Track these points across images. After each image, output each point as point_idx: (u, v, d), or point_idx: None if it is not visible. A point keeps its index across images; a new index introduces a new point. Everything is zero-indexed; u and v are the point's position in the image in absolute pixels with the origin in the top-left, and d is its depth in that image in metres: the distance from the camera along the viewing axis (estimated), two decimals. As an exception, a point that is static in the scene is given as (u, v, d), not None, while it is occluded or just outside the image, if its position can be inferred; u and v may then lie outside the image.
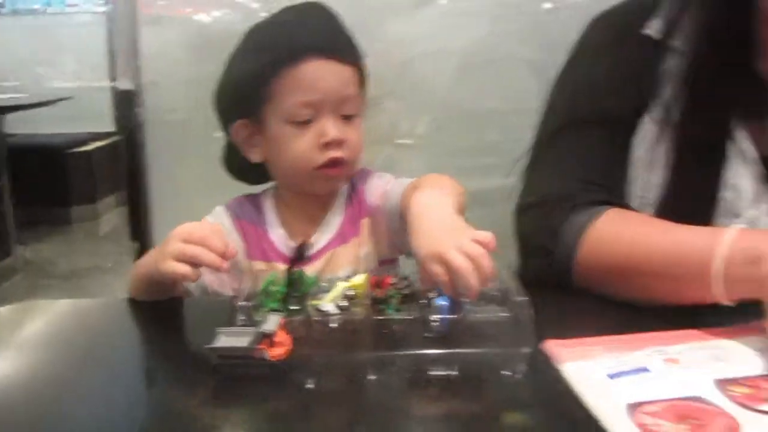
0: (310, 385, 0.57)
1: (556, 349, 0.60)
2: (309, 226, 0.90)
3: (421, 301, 0.64)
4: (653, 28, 0.82)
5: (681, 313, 0.66)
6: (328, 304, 0.63)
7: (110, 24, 1.30)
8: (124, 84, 1.25)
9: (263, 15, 0.94)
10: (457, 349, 0.60)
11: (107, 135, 3.94)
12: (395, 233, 0.85)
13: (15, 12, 4.41)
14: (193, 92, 1.13)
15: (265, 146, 0.89)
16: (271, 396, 0.56)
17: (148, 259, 0.78)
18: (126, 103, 1.26)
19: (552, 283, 0.77)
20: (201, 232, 0.71)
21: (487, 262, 0.62)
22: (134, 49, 1.25)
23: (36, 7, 4.40)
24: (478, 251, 0.62)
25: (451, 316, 0.62)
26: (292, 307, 0.63)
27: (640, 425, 0.48)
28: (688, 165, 0.77)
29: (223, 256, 0.69)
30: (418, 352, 0.60)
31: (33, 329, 0.75)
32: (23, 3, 4.40)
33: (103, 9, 3.75)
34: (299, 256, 0.73)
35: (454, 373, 0.58)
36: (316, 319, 0.62)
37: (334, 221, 0.90)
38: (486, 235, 0.64)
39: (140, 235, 1.28)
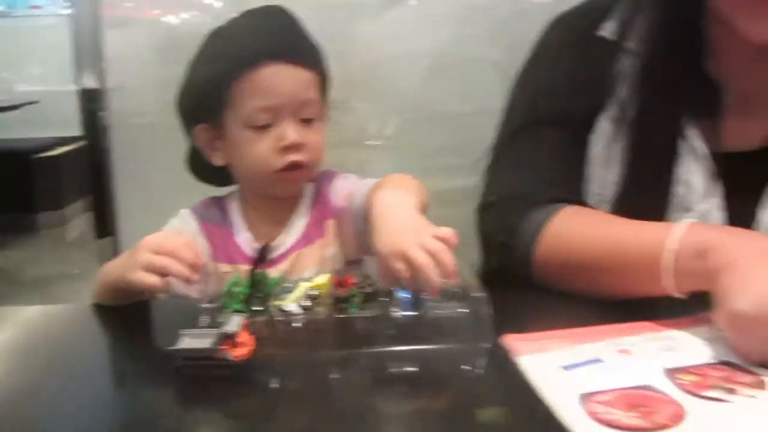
0: (274, 385, 0.58)
1: (515, 343, 0.61)
2: (274, 227, 0.91)
3: (382, 299, 0.65)
4: (608, 30, 0.84)
5: (636, 306, 0.68)
6: (290, 304, 0.64)
7: (75, 26, 1.27)
8: (90, 83, 1.23)
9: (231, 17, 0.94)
10: (418, 345, 0.61)
11: (74, 139, 3.87)
12: (360, 234, 0.86)
13: (-23, 15, 4.33)
14: (160, 95, 1.12)
15: (227, 150, 0.90)
16: (235, 396, 0.57)
17: (115, 265, 0.77)
18: (92, 106, 1.25)
19: (513, 280, 0.79)
20: (171, 244, 0.71)
21: (448, 257, 0.63)
22: (99, 52, 1.23)
23: (-1, 9, 4.34)
24: (439, 247, 0.63)
25: (412, 313, 0.63)
26: (254, 308, 0.64)
27: (592, 414, 0.49)
28: (642, 162, 0.79)
29: (194, 267, 0.69)
30: (380, 349, 0.61)
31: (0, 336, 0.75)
32: (-15, 6, 4.32)
33: (67, 11, 3.69)
34: (262, 258, 0.74)
35: (416, 369, 0.59)
36: (279, 319, 0.63)
37: (300, 223, 0.91)
38: (447, 232, 0.65)
39: (106, 238, 1.26)
